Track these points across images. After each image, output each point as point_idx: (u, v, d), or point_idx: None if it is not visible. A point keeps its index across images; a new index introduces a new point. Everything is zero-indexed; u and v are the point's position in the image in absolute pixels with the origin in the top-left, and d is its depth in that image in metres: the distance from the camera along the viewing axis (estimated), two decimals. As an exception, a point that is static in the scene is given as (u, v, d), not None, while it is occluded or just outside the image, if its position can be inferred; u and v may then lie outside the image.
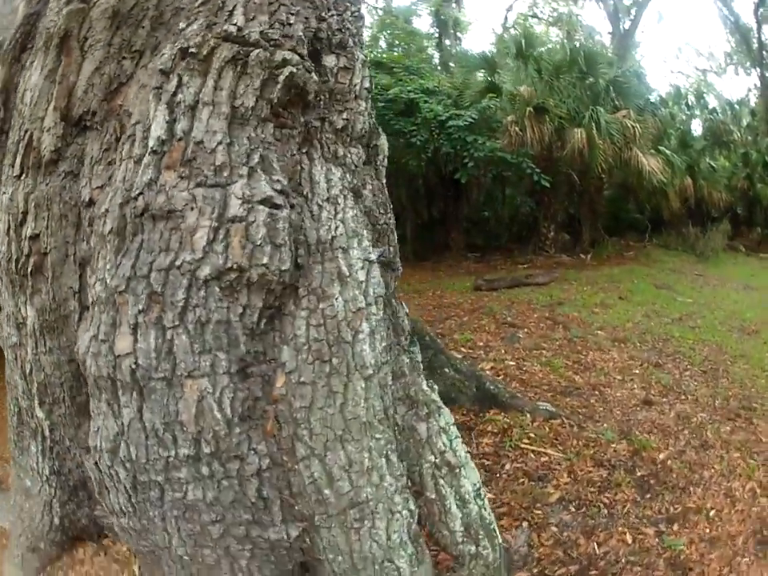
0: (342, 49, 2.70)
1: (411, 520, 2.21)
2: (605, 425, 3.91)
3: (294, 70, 2.25)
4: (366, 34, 17.42)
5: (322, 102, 2.61)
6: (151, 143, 2.09)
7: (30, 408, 2.67)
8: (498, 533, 2.45)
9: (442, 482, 2.29)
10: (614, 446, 3.58)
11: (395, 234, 3.01)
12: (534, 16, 21.77)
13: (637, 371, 5.06)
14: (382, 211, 2.85)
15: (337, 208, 2.45)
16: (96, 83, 2.32)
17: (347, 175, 2.58)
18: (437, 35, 17.38)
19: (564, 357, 5.37)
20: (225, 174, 2.10)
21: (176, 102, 2.12)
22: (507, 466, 3.35)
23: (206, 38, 2.13)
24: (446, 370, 4.13)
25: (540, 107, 9.73)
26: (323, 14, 2.65)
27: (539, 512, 2.91)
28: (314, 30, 2.56)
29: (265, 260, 2.08)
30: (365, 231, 2.52)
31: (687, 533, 2.79)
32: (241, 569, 2.11)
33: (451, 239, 11.62)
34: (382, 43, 16.42)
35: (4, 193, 2.57)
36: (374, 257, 2.44)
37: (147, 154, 2.10)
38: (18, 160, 2.46)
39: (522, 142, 9.55)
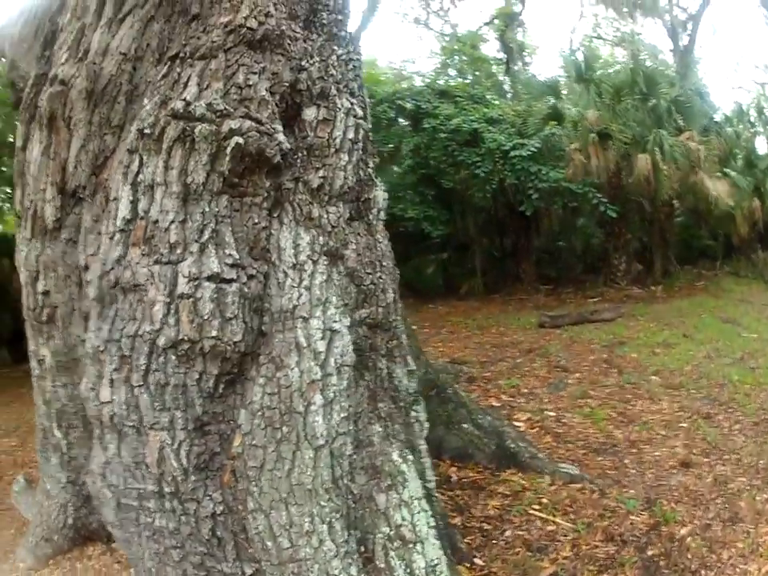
0: (324, 99, 2.71)
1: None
2: (631, 491, 3.59)
3: (242, 140, 2.31)
4: (435, 62, 17.59)
5: (299, 160, 2.67)
6: (118, 222, 2.27)
7: (49, 429, 3.03)
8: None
9: (392, 554, 2.22)
10: (632, 517, 3.27)
11: (389, 293, 2.94)
12: (599, 37, 20.85)
13: (684, 424, 4.64)
14: (369, 270, 2.81)
15: (302, 275, 2.49)
16: (83, 159, 2.56)
17: (320, 238, 2.60)
18: (504, 61, 17.14)
19: (610, 407, 5.07)
20: (178, 252, 2.23)
21: (138, 182, 2.29)
22: (508, 533, 3.17)
23: (158, 117, 2.26)
24: (465, 425, 4.03)
25: (603, 133, 9.32)
26: (303, 63, 2.70)
27: (524, 586, 2.73)
28: (288, 83, 2.62)
29: (214, 333, 2.19)
30: (334, 297, 2.53)
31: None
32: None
33: (522, 271, 11.33)
34: (452, 71, 16.44)
35: (21, 251, 2.88)
36: (338, 326, 2.45)
37: (116, 232, 2.28)
38: (29, 224, 2.75)
39: (587, 170, 9.17)
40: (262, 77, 2.49)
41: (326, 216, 2.67)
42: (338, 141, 2.71)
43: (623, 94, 9.89)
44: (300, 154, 2.70)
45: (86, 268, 2.62)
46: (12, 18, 3.13)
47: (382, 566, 2.23)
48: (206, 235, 2.26)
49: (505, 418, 4.65)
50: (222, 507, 2.29)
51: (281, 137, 2.54)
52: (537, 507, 3.39)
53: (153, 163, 2.25)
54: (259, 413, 2.26)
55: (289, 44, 2.64)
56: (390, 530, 2.29)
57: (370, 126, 3.12)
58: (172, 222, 2.22)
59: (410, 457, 2.60)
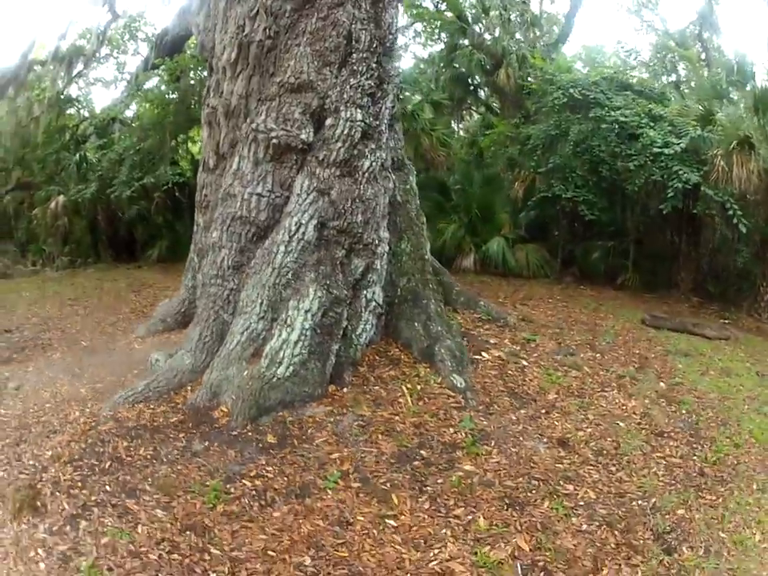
0: (336, 112, 5.46)
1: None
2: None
3: (276, 140, 5.23)
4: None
5: (317, 146, 5.41)
6: (233, 167, 5.63)
7: (191, 257, 6.66)
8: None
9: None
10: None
11: (359, 216, 5.43)
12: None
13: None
14: (345, 202, 5.43)
15: (300, 199, 5.27)
16: (225, 142, 5.94)
17: (314, 182, 5.36)
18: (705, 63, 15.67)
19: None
20: (252, 183, 5.44)
21: (243, 155, 5.55)
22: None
23: (250, 129, 5.41)
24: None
25: (747, 141, 8.86)
26: (329, 93, 5.42)
27: None
28: (315, 107, 5.40)
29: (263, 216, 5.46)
30: (312, 210, 5.23)
31: None
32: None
33: (680, 279, 11.05)
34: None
35: (199, 177, 6.53)
36: (306, 220, 5.18)
37: (233, 173, 5.62)
38: (202, 166, 6.22)
39: (729, 178, 8.92)
40: (297, 107, 5.38)
41: (323, 173, 5.40)
42: (336, 135, 5.41)
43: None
44: (320, 143, 5.43)
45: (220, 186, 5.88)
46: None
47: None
48: (262, 176, 5.33)
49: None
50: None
51: (303, 136, 5.37)
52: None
53: (248, 147, 5.39)
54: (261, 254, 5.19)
55: (318, 84, 5.40)
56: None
57: (387, 118, 5.78)
58: (251, 172, 5.37)
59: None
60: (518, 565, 3.17)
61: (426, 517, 3.52)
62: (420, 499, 3.67)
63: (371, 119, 5.57)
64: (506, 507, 3.67)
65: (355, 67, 5.51)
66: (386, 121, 5.81)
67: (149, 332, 6.64)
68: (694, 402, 5.57)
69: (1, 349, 7.04)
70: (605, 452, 4.45)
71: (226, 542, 3.21)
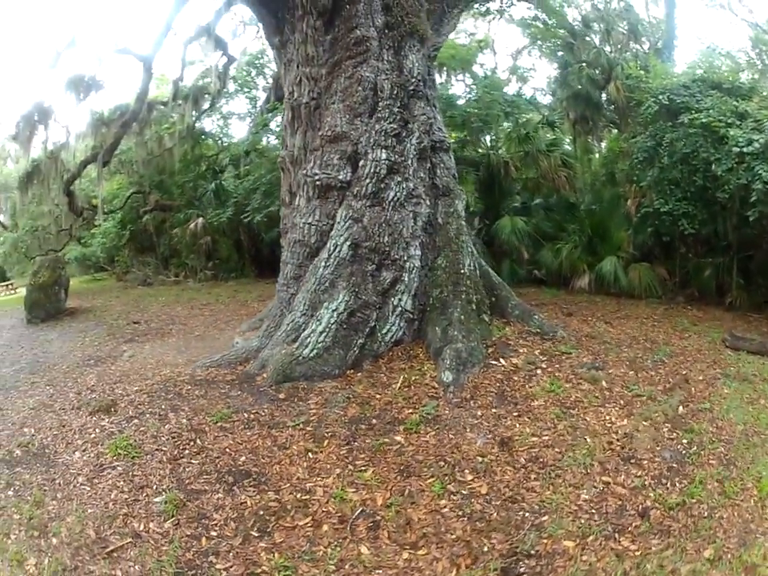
0: (365, 155, 7.01)
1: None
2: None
3: (320, 182, 6.88)
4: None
5: (354, 182, 6.89)
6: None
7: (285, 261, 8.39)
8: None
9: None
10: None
11: (385, 237, 6.88)
12: None
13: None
14: (374, 227, 6.92)
15: (339, 225, 6.80)
16: (292, 182, 7.67)
17: (350, 212, 6.86)
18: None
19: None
20: (305, 209, 7.24)
21: (301, 194, 7.36)
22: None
23: (305, 176, 7.18)
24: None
25: None
26: (360, 139, 6.97)
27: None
28: (350, 152, 6.95)
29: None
30: (347, 233, 6.69)
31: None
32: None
33: None
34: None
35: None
36: (341, 241, 6.64)
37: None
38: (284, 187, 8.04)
39: None
40: (335, 154, 7.02)
41: (356, 204, 6.92)
42: (366, 173, 6.93)
43: None
44: (355, 181, 6.91)
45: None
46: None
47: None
48: (312, 210, 7.11)
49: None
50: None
51: (340, 177, 7.01)
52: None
53: (302, 188, 7.21)
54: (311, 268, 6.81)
55: (351, 134, 6.96)
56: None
57: (413, 153, 7.14)
58: (305, 206, 7.20)
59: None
60: (357, 512, 3.93)
61: (335, 459, 4.63)
62: (342, 448, 4.79)
63: (396, 156, 6.96)
64: (396, 471, 4.40)
65: (380, 114, 6.92)
66: (411, 155, 7.14)
67: (249, 327, 8.73)
68: (709, 432, 4.96)
69: (126, 333, 9.90)
70: (540, 460, 4.48)
71: (207, 441, 4.93)
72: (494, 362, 6.53)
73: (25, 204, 17.01)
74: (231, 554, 3.62)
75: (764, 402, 5.80)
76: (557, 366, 6.50)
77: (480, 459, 4.56)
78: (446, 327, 6.74)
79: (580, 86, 14.60)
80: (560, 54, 15.71)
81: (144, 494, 4.11)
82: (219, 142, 19.60)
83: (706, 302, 10.87)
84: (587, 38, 15.40)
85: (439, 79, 15.18)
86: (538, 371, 6.33)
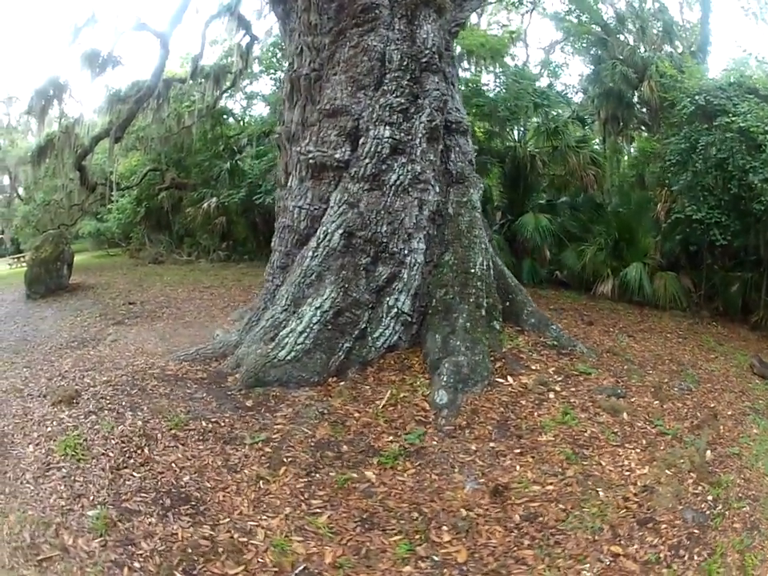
0: (367, 131, 5.89)
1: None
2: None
3: (313, 160, 5.76)
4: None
5: (353, 162, 5.81)
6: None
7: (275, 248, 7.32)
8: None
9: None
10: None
11: (384, 227, 5.76)
12: None
13: None
14: (372, 213, 5.83)
15: (332, 210, 5.72)
16: (288, 159, 6.52)
17: (346, 195, 5.77)
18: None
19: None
20: (295, 192, 6.08)
21: (292, 171, 6.15)
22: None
23: (297, 152, 6.07)
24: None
25: None
26: (362, 114, 5.88)
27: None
28: (351, 129, 5.86)
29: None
30: (339, 220, 5.63)
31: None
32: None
33: None
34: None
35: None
36: (333, 228, 5.59)
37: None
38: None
39: None
40: (333, 131, 5.92)
41: (353, 187, 5.82)
42: (365, 152, 5.81)
43: None
44: (353, 161, 5.83)
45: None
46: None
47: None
48: (304, 192, 6.00)
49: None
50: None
51: (337, 155, 5.89)
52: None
53: (295, 168, 6.12)
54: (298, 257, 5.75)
55: (352, 108, 5.84)
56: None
57: (422, 132, 5.96)
58: (297, 188, 6.09)
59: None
60: (298, 568, 3.05)
61: (288, 493, 3.70)
62: (300, 480, 3.81)
63: (402, 135, 5.82)
64: (357, 521, 3.44)
65: (386, 87, 5.81)
66: (419, 135, 5.98)
67: (239, 317, 7.81)
68: (736, 485, 4.14)
69: (118, 315, 9.20)
70: (539, 520, 3.50)
71: (156, 450, 4.12)
72: (500, 380, 5.45)
73: (38, 178, 16.38)
74: (149, 595, 2.80)
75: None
76: (572, 389, 5.48)
77: (464, 513, 3.54)
78: (448, 335, 5.63)
79: (612, 84, 13.51)
80: (593, 50, 14.49)
81: (80, 504, 3.56)
82: (241, 122, 18.81)
83: (731, 319, 10.03)
84: (621, 37, 14.39)
85: (468, 67, 14.14)
86: (551, 395, 5.31)
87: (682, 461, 4.34)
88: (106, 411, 4.71)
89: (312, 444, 4.23)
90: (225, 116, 18.00)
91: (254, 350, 5.42)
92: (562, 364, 5.94)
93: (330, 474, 3.89)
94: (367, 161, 5.74)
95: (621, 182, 13.61)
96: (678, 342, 8.26)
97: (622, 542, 3.36)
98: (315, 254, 5.66)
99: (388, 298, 5.76)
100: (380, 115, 5.77)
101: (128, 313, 9.41)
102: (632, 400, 5.42)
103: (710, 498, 3.92)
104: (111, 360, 6.34)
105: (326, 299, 5.40)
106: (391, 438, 4.35)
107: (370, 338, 5.61)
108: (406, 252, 5.82)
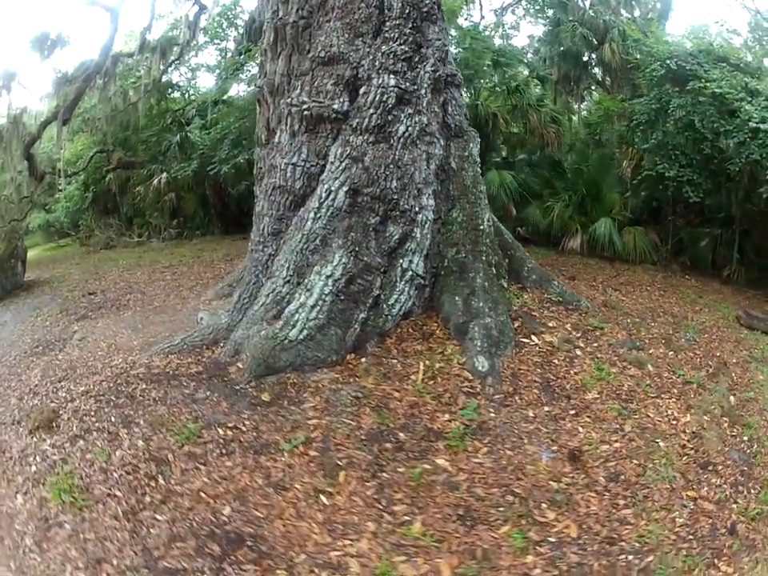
0: (368, 80, 5.29)
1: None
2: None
3: (308, 111, 5.09)
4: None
5: (352, 114, 5.17)
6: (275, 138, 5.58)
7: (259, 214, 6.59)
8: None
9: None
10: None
11: (393, 182, 5.15)
12: None
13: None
14: (378, 168, 5.18)
15: (332, 166, 5.08)
16: (272, 113, 5.83)
17: (348, 149, 5.12)
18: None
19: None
20: (287, 150, 5.37)
21: (280, 126, 5.40)
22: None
23: (287, 104, 5.36)
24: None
25: None
26: (361, 62, 5.26)
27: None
28: (349, 77, 5.22)
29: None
30: (343, 176, 5.00)
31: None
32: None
33: None
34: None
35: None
36: (337, 186, 4.96)
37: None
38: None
39: None
40: (329, 80, 5.26)
41: (356, 140, 5.19)
42: (369, 102, 5.18)
43: None
44: (354, 111, 5.19)
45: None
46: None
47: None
48: (297, 147, 5.30)
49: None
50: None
51: (335, 106, 5.22)
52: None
53: (285, 121, 5.37)
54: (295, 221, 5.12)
55: (350, 55, 5.22)
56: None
57: (428, 82, 5.38)
58: (288, 143, 5.37)
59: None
60: None
61: (362, 504, 3.09)
62: (367, 483, 3.22)
63: (407, 84, 5.24)
64: (455, 519, 3.00)
65: (388, 35, 5.23)
66: (425, 85, 5.41)
67: (216, 295, 6.91)
68: (762, 426, 4.36)
69: (80, 308, 7.93)
70: (621, 478, 3.45)
71: (174, 477, 3.31)
72: (525, 340, 5.12)
73: (-15, 174, 14.52)
74: None
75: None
76: (594, 344, 5.33)
77: (555, 485, 3.31)
78: (468, 297, 5.17)
79: (572, 44, 13.43)
80: (551, 12, 14.28)
81: (104, 575, 2.72)
82: (186, 95, 17.53)
83: (701, 273, 10.22)
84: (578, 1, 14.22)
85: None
86: (578, 352, 5.11)
87: (713, 407, 4.55)
88: (95, 433, 3.86)
89: (363, 437, 3.62)
90: (170, 89, 16.67)
91: (256, 332, 4.71)
92: (574, 320, 5.72)
93: (399, 470, 3.34)
94: (372, 111, 5.11)
95: (573, 140, 13.50)
96: (660, 295, 8.29)
97: (695, 487, 3.51)
98: (318, 215, 5.02)
99: (401, 260, 5.19)
100: (383, 63, 5.15)
101: (90, 305, 8.25)
102: (650, 352, 5.42)
103: (745, 438, 4.17)
104: (84, 363, 5.35)
105: (336, 266, 4.79)
106: (447, 416, 3.88)
107: (384, 306, 5.03)
108: (417, 209, 5.24)
